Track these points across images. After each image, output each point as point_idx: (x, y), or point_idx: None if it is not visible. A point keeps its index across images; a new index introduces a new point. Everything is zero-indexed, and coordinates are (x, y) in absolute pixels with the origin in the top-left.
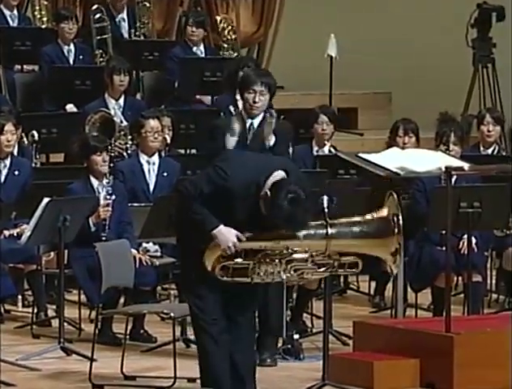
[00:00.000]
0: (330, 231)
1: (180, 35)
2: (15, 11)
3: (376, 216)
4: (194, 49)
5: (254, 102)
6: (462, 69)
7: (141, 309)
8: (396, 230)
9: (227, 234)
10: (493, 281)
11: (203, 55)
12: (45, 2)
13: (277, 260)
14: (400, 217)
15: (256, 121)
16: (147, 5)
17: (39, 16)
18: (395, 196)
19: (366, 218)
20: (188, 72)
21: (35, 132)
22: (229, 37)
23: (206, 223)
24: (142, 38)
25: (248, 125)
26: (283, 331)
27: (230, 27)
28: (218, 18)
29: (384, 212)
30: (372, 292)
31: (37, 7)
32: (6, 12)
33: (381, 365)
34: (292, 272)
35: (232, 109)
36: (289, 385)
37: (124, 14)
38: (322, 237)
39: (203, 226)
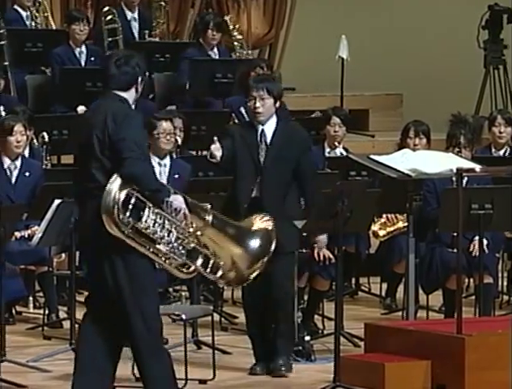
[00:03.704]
0: (208, 217)
1: (193, 36)
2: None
3: (257, 228)
4: (209, 51)
5: (255, 108)
6: (473, 70)
7: None
8: (265, 254)
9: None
10: (504, 283)
11: (217, 57)
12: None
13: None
14: (273, 247)
15: (267, 128)
16: (163, 4)
17: (39, 18)
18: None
19: (246, 225)
20: (199, 74)
21: (45, 134)
22: (240, 40)
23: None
24: (156, 39)
25: (259, 132)
26: (295, 333)
27: (235, 27)
28: (227, 18)
29: (265, 227)
30: (383, 293)
31: (38, 7)
32: (23, 13)
33: (392, 366)
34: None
35: (243, 110)
36: (300, 387)
37: (135, 14)
38: (200, 218)
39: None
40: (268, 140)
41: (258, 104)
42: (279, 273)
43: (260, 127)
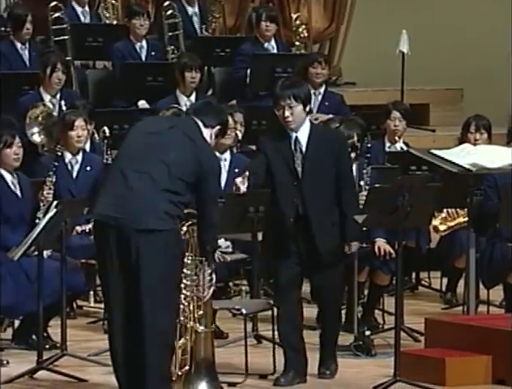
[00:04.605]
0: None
1: (250, 31)
2: (87, 8)
3: None
4: (266, 44)
5: (285, 118)
6: None
7: (212, 305)
8: None
9: None
10: None
11: (275, 51)
12: (114, 2)
13: None
14: None
15: (301, 135)
16: None
17: (108, 15)
18: None
19: None
20: (259, 68)
21: (106, 128)
22: (302, 35)
23: None
24: (212, 33)
25: (293, 139)
26: (356, 328)
27: (304, 26)
28: (293, 16)
29: None
30: (443, 288)
31: (107, 5)
32: (78, 9)
33: (453, 361)
34: None
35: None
36: (360, 381)
37: (196, 9)
38: None
39: None
40: (303, 148)
41: (287, 113)
42: (326, 287)
43: (294, 135)
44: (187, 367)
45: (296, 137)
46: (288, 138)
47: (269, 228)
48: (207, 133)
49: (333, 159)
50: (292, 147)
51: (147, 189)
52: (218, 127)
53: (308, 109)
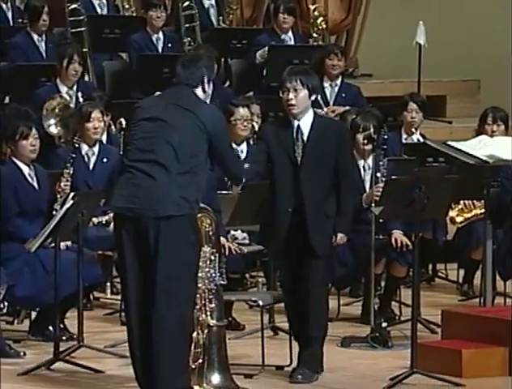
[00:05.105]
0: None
1: (267, 22)
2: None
3: None
4: (283, 36)
5: (288, 100)
6: None
7: (229, 296)
8: None
9: None
10: None
11: (292, 42)
12: None
13: None
14: None
15: (303, 123)
16: None
17: (127, 6)
18: None
19: None
20: (276, 59)
21: (123, 120)
22: (320, 27)
23: None
24: (229, 25)
25: (295, 128)
26: (373, 320)
27: (322, 17)
28: (311, 7)
29: None
30: (460, 280)
31: None
32: (95, 0)
33: (469, 353)
34: None
35: (318, 97)
36: (377, 373)
37: (212, 1)
38: None
39: None
40: (305, 137)
41: (291, 95)
42: (310, 279)
43: (296, 123)
44: (200, 360)
45: (299, 125)
46: (291, 127)
47: (266, 217)
48: (200, 91)
49: (334, 149)
50: (294, 135)
51: (160, 177)
52: (206, 78)
53: (313, 97)
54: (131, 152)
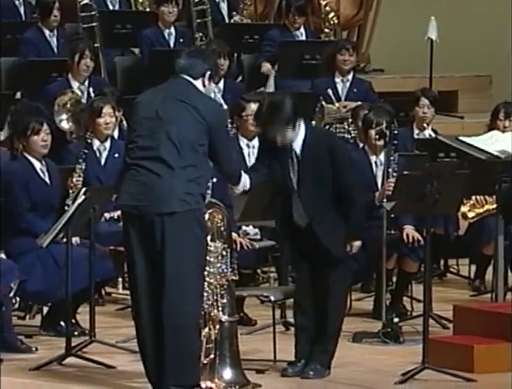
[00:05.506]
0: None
1: (278, 17)
2: None
3: None
4: (294, 31)
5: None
6: None
7: (241, 292)
8: None
9: None
10: None
11: (304, 37)
12: None
13: None
14: None
15: (296, 143)
16: None
17: (139, 1)
18: None
19: None
20: (287, 55)
21: None
22: (332, 22)
23: None
24: (244, 20)
25: (288, 150)
26: (384, 315)
27: (333, 13)
28: (322, 2)
29: None
30: (472, 275)
31: None
32: None
33: (481, 348)
34: None
35: (330, 92)
36: (388, 368)
37: None
38: None
39: None
40: (298, 154)
41: (279, 140)
42: (330, 277)
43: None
44: (212, 356)
45: (291, 145)
46: (286, 149)
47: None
48: (200, 84)
49: (327, 158)
50: (288, 157)
51: (164, 173)
52: (208, 73)
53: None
54: (133, 151)
